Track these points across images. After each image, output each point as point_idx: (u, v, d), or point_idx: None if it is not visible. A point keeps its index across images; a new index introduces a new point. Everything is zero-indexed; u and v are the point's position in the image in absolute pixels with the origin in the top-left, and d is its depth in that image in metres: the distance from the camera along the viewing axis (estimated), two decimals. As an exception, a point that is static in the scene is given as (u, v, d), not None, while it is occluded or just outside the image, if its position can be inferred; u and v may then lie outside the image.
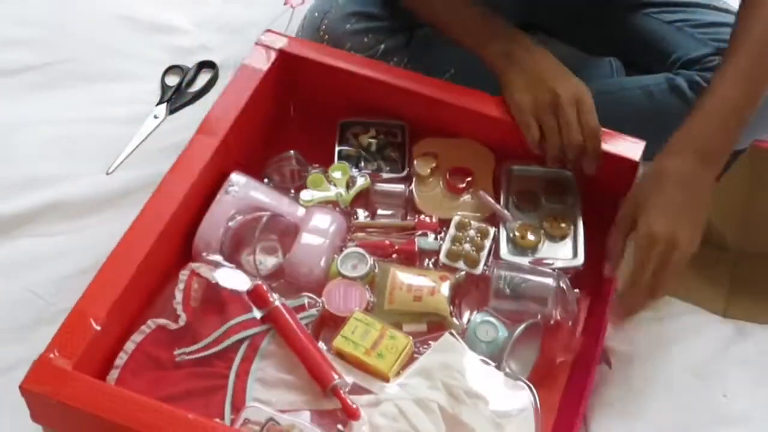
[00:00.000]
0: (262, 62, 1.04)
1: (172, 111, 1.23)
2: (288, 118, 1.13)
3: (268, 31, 1.07)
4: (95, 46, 1.30)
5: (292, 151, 1.05)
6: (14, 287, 1.02)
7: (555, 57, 1.02)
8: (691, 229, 0.85)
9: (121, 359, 0.84)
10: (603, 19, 1.20)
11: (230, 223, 0.94)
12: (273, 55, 1.05)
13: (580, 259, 0.96)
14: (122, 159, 1.16)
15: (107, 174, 1.14)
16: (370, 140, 1.07)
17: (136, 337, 0.85)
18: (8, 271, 1.04)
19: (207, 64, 1.29)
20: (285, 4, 1.37)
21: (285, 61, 1.05)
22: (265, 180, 1.03)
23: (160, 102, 1.23)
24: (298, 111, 1.13)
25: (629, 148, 0.97)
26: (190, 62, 1.29)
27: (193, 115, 1.20)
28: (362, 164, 1.06)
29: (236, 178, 0.96)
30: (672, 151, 0.89)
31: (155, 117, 1.21)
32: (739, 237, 1.04)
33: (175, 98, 1.24)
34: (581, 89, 0.97)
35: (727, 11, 1.15)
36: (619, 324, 0.93)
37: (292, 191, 1.03)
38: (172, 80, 1.26)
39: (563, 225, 0.99)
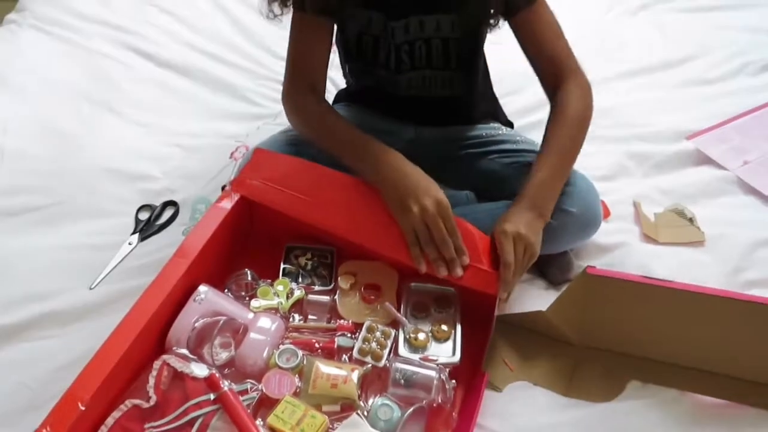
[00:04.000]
0: (227, 204, 1.10)
1: (142, 239, 1.28)
2: (247, 243, 1.18)
3: (234, 181, 1.13)
4: (85, 191, 1.36)
5: (247, 270, 1.11)
6: (9, 382, 1.03)
7: (417, 169, 1.07)
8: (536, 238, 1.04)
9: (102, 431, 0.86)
10: (462, 162, 1.30)
11: (196, 324, 0.98)
12: (236, 198, 1.10)
13: (457, 357, 1.02)
14: (102, 276, 1.20)
15: (90, 289, 1.18)
16: (307, 261, 1.14)
17: (116, 414, 0.88)
18: (5, 370, 1.05)
19: (170, 203, 1.35)
20: (230, 157, 1.46)
21: (245, 203, 1.11)
22: (226, 290, 1.08)
23: (134, 232, 1.28)
24: (255, 238, 1.18)
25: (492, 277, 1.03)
26: (158, 201, 1.35)
27: (160, 242, 1.27)
28: (300, 279, 1.12)
29: (203, 289, 1.02)
30: (519, 207, 1.06)
31: (129, 244, 1.26)
32: (579, 336, 1.09)
33: (145, 229, 1.29)
34: (442, 199, 1.04)
35: None
36: (505, 300, 1.03)
37: (247, 299, 1.07)
38: (144, 215, 1.32)
39: (445, 329, 1.05)
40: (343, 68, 1.36)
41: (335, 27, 1.23)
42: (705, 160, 1.46)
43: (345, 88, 1.45)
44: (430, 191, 1.05)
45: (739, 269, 1.23)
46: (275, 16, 1.18)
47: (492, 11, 1.16)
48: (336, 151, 1.13)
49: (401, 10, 1.17)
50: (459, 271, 1.03)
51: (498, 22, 1.17)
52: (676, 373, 1.05)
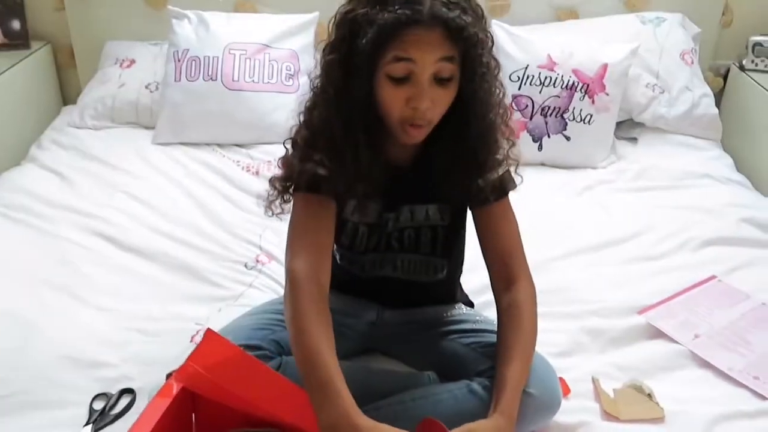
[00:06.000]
0: (169, 394, 1.07)
1: (96, 431, 1.22)
2: (191, 429, 1.14)
3: (176, 373, 1.09)
4: (40, 382, 1.31)
5: None
6: None
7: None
8: None
9: None
10: (423, 343, 1.31)
11: None
12: (177, 388, 1.08)
13: None
14: (48, 477, 1.14)
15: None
16: None
17: None
18: None
19: (127, 391, 1.31)
20: (191, 341, 1.43)
21: (187, 393, 1.09)
22: None
23: (87, 423, 1.23)
24: (199, 423, 1.15)
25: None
26: (115, 389, 1.30)
27: (113, 432, 1.21)
28: None
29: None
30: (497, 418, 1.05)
31: (81, 436, 1.21)
32: None
33: (99, 419, 1.24)
34: None
35: None
36: None
37: None
38: (99, 405, 1.27)
39: None
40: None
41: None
42: (658, 334, 1.49)
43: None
44: None
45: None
46: (273, 213, 1.20)
47: (475, 199, 1.21)
48: (306, 373, 1.03)
49: (396, 201, 1.23)
50: None
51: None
52: None
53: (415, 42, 1.03)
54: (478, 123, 1.13)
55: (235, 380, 1.08)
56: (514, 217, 1.25)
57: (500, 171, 1.20)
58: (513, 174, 1.23)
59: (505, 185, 1.23)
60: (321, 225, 1.16)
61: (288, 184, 1.18)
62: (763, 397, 1.33)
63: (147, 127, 2.27)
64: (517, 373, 1.11)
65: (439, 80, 1.08)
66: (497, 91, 1.15)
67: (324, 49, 1.12)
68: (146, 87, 2.29)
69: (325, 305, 1.09)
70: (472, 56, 1.07)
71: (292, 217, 1.18)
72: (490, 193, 1.20)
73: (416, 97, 1.07)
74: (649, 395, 1.32)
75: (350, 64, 1.07)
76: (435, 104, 1.09)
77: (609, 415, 1.28)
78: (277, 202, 1.19)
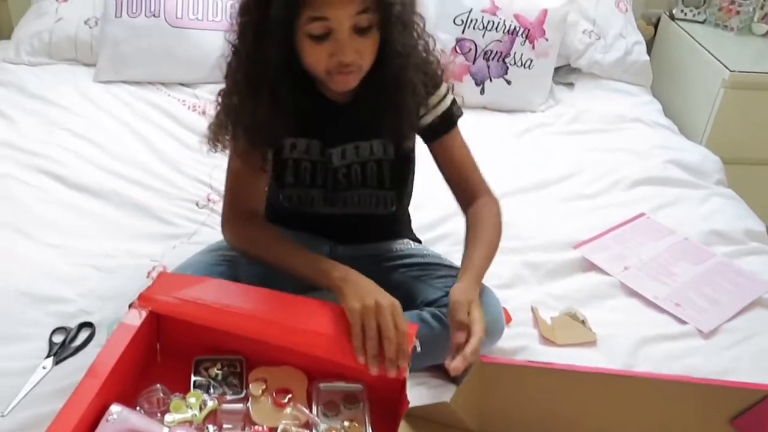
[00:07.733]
0: (136, 320, 1.10)
1: (57, 362, 1.24)
2: (156, 358, 1.18)
3: (141, 297, 1.14)
4: (-3, 316, 1.31)
5: (158, 384, 1.10)
6: None
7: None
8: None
9: None
10: (373, 277, 1.26)
11: (110, 445, 0.95)
12: (144, 314, 1.11)
13: (370, 448, 1.04)
14: (15, 403, 1.15)
15: (2, 416, 1.13)
16: (217, 372, 1.14)
17: None
18: None
19: (86, 325, 1.32)
20: (147, 277, 1.45)
21: (153, 318, 1.13)
22: (138, 407, 1.06)
23: (48, 356, 1.25)
24: (165, 352, 1.18)
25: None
26: (73, 323, 1.32)
27: (75, 364, 1.23)
28: (211, 390, 1.12)
29: (115, 408, 1.00)
30: (466, 286, 1.14)
31: (43, 368, 1.22)
32: (477, 423, 1.12)
33: (60, 352, 1.26)
34: (396, 302, 1.10)
35: (451, 266, 1.34)
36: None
37: (159, 414, 1.06)
38: (58, 338, 1.28)
39: (356, 425, 1.07)
40: (274, 193, 1.37)
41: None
42: (591, 266, 1.60)
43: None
44: (387, 295, 1.11)
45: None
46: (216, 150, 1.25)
47: (418, 134, 1.28)
48: (290, 272, 1.19)
49: (338, 138, 1.26)
50: (393, 372, 1.06)
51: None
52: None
53: (327, 1, 1.05)
54: (399, 63, 1.15)
55: (198, 294, 1.15)
56: (464, 142, 1.32)
57: (446, 99, 1.27)
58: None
59: (452, 115, 1.29)
60: (255, 176, 1.26)
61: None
62: (683, 322, 1.46)
63: (87, 65, 2.20)
64: (481, 253, 1.21)
65: (359, 30, 1.10)
66: (417, 26, 1.18)
67: (239, 9, 1.12)
68: (85, 23, 2.22)
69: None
70: (385, 4, 1.09)
71: (227, 168, 1.28)
72: (439, 126, 1.28)
73: (339, 52, 1.09)
74: (583, 322, 1.42)
75: (262, 27, 1.08)
76: (360, 54, 1.12)
77: (547, 340, 1.38)
78: (219, 146, 1.24)
